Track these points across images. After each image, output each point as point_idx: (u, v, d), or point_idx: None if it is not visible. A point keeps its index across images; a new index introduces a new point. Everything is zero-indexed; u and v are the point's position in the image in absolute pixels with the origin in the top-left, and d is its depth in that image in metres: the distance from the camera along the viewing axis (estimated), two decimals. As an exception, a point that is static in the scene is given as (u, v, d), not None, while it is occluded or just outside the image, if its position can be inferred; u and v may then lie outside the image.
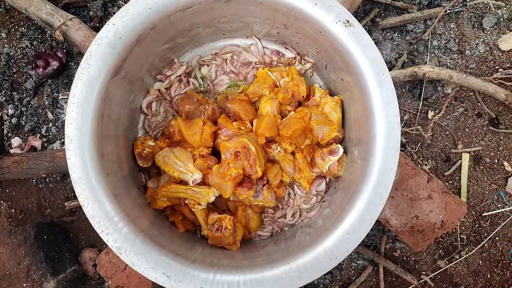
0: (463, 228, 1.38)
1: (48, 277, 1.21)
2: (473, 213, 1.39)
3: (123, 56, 0.86)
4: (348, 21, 0.84)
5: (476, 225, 1.39)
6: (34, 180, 1.40)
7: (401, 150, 1.15)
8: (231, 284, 0.80)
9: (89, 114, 0.82)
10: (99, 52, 0.83)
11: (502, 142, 1.39)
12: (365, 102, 0.86)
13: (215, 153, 1.05)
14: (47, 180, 1.39)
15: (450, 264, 1.37)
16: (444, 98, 1.37)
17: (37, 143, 1.38)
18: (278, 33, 1.05)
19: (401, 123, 1.19)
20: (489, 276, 1.37)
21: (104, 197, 0.81)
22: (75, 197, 1.38)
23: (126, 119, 1.02)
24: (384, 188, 0.82)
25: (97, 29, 1.41)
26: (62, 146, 1.38)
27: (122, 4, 1.41)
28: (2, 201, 1.41)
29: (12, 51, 1.42)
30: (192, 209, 0.99)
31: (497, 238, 1.38)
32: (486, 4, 1.39)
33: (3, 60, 1.41)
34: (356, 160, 0.94)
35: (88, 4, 1.40)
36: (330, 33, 0.86)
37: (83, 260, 1.33)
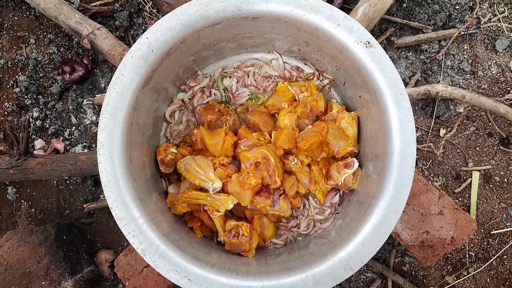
0: (472, 245, 1.41)
1: (66, 276, 1.24)
2: (482, 230, 1.41)
3: (153, 67, 0.90)
4: (369, 42, 0.88)
5: (485, 243, 1.41)
6: (55, 182, 1.44)
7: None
8: (249, 289, 0.84)
9: (120, 121, 0.87)
10: (133, 64, 0.88)
11: (512, 162, 1.42)
12: (383, 119, 0.90)
13: (234, 162, 1.09)
14: (67, 182, 1.44)
15: (458, 281, 1.39)
16: (456, 117, 1.41)
17: (60, 145, 1.42)
18: (299, 49, 1.09)
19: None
20: (496, 293, 1.39)
21: (130, 201, 0.85)
22: (94, 200, 1.42)
23: (150, 127, 1.07)
24: (399, 203, 0.86)
25: (122, 39, 1.46)
26: (83, 150, 1.43)
27: (146, 16, 1.46)
28: (23, 201, 1.46)
29: (39, 56, 1.48)
30: (211, 216, 1.03)
31: (505, 256, 1.40)
32: (499, 27, 1.43)
33: (30, 65, 1.47)
34: (371, 174, 0.98)
35: (114, 15, 1.46)
36: (351, 53, 0.90)
37: (99, 261, 1.37)
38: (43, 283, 1.23)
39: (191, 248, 0.92)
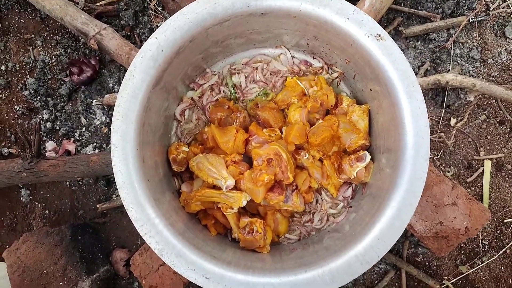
0: (485, 234, 1.40)
1: (83, 276, 1.26)
2: (495, 219, 1.41)
3: (164, 67, 0.90)
4: (379, 35, 0.88)
5: (498, 231, 1.40)
6: (67, 183, 1.45)
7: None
8: (266, 286, 0.84)
9: (132, 122, 0.87)
10: (143, 64, 0.88)
11: (524, 149, 1.40)
12: (395, 112, 0.89)
13: (245, 158, 1.09)
14: (80, 183, 1.45)
15: (472, 270, 1.39)
16: (466, 106, 1.40)
17: (71, 147, 1.43)
18: (307, 44, 1.08)
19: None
20: (511, 282, 1.39)
21: (146, 201, 0.86)
22: (106, 200, 1.44)
23: (161, 126, 1.07)
24: (414, 196, 0.86)
25: (128, 38, 1.46)
26: (94, 150, 1.44)
27: (152, 14, 1.46)
28: (37, 203, 1.47)
29: (47, 58, 1.48)
30: (225, 213, 1.03)
31: (519, 244, 1.40)
32: (508, 13, 1.41)
33: (38, 67, 1.48)
34: (384, 168, 0.97)
35: (120, 14, 1.46)
36: (362, 46, 0.90)
37: (114, 260, 1.39)
38: (60, 283, 1.25)
39: (206, 246, 0.92)
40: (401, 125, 0.88)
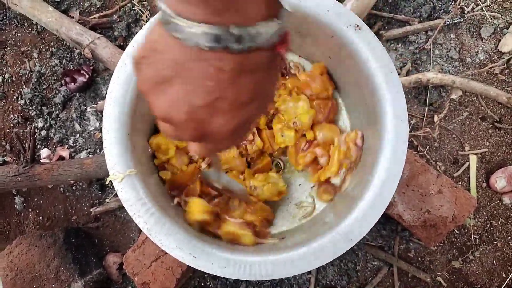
0: (476, 228, 1.42)
1: (76, 278, 1.26)
2: (484, 213, 1.43)
3: (153, 59, 0.95)
4: (357, 25, 0.93)
5: (488, 225, 1.42)
6: (61, 189, 1.47)
7: (411, 150, 1.22)
8: (252, 264, 0.85)
9: (124, 107, 0.90)
10: (134, 54, 0.92)
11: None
12: (374, 98, 0.93)
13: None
14: (73, 188, 1.47)
15: (465, 264, 1.40)
16: (449, 103, 1.45)
17: (65, 153, 1.46)
18: (293, 41, 1.14)
19: (408, 127, 1.26)
20: (504, 275, 1.39)
21: (136, 182, 0.88)
22: (100, 204, 1.45)
23: (152, 122, 1.10)
24: (394, 179, 0.88)
25: (121, 47, 1.52)
26: (88, 155, 1.47)
27: (144, 25, 1.52)
28: (30, 210, 1.48)
29: (42, 69, 1.54)
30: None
31: (509, 237, 1.41)
32: (482, 15, 1.49)
33: (34, 78, 1.52)
34: (366, 155, 1.00)
35: (113, 25, 1.52)
36: (342, 37, 0.94)
37: (107, 264, 1.38)
38: (53, 285, 1.25)
39: (193, 231, 0.94)
40: (382, 110, 0.91)
